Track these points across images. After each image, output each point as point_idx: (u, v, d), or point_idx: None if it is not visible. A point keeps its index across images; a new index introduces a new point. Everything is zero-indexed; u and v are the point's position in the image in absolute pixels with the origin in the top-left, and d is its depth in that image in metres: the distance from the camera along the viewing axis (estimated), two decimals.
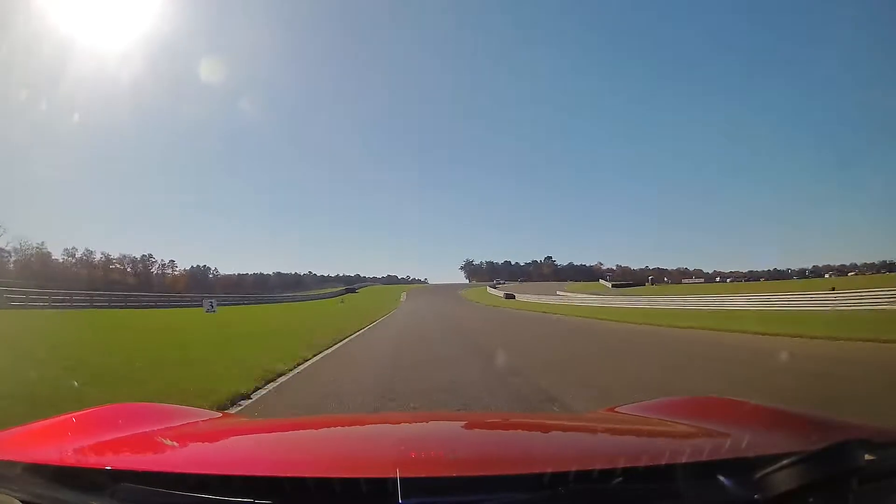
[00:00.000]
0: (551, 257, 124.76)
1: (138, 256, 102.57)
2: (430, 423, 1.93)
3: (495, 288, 79.90)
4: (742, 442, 1.00)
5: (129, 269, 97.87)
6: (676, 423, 1.42)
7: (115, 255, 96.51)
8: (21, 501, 0.82)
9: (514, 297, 61.51)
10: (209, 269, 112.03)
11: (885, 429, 1.03)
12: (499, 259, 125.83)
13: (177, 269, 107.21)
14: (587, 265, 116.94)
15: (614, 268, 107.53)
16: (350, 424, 1.86)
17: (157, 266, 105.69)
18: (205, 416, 1.71)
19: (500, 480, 0.84)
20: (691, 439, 1.20)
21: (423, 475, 0.84)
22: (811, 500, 0.75)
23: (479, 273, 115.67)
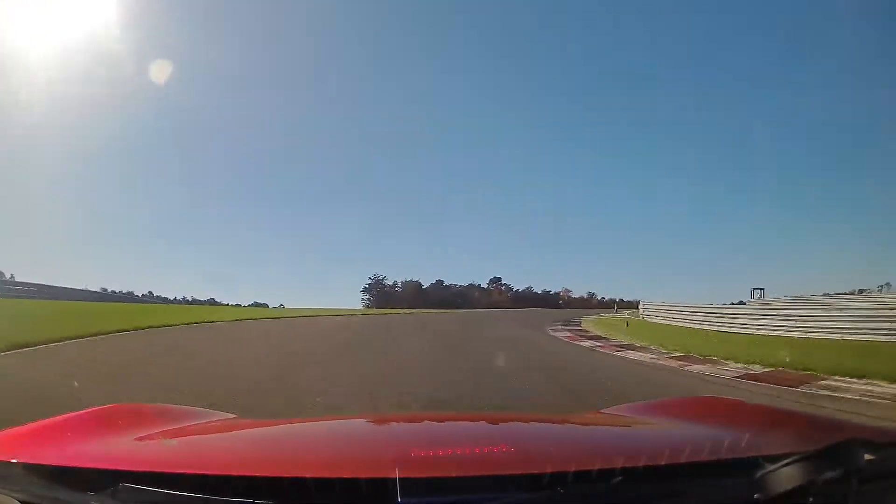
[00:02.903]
0: (500, 279, 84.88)
1: None
2: (430, 423, 1.93)
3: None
4: (742, 442, 1.00)
5: None
6: (676, 423, 1.42)
7: None
8: (21, 501, 0.82)
9: None
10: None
11: (885, 429, 1.04)
12: (424, 279, 79.08)
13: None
14: (551, 291, 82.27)
15: (585, 296, 78.34)
16: (350, 425, 1.86)
17: None
18: (205, 416, 1.71)
19: (500, 480, 0.84)
20: (691, 439, 1.20)
21: (422, 475, 0.84)
22: (811, 500, 0.75)
23: (395, 299, 71.77)
